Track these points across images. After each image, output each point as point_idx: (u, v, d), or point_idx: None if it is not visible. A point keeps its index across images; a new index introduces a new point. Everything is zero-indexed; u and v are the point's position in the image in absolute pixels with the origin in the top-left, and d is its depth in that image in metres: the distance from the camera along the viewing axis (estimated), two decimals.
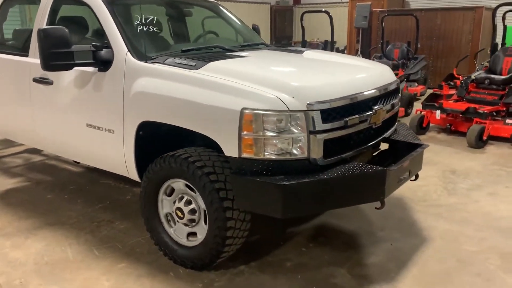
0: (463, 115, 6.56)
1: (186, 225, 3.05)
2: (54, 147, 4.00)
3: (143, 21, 3.43)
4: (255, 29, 4.81)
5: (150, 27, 3.46)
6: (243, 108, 2.61)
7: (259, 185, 2.61)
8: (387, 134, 3.43)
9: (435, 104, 6.84)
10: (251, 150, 2.64)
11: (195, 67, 2.95)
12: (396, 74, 8.08)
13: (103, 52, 3.24)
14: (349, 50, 14.20)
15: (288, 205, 2.62)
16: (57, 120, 3.73)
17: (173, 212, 3.09)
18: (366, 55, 12.20)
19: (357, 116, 2.88)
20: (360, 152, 3.14)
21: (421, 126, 6.83)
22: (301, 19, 9.72)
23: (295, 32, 17.72)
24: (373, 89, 3.08)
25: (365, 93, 2.98)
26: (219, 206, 2.78)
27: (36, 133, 4.00)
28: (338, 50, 15.36)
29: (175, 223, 3.13)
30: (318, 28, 15.54)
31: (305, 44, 9.83)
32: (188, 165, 2.85)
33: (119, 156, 3.32)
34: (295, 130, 2.65)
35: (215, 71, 2.88)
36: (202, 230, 2.99)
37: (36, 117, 3.93)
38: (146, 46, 3.30)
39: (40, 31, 2.99)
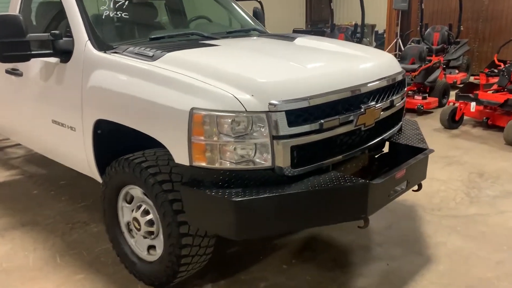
0: (501, 107, 5.81)
1: (145, 237, 2.71)
2: (26, 141, 3.79)
3: (111, 6, 3.08)
4: (256, 13, 4.35)
5: (118, 12, 3.11)
6: (192, 108, 2.20)
7: (210, 199, 2.21)
8: (386, 136, 2.92)
9: (470, 95, 6.11)
10: (203, 157, 2.24)
11: (151, 58, 2.57)
12: (429, 61, 7.40)
13: (63, 41, 2.92)
14: (388, 33, 13.31)
15: (243, 225, 2.21)
16: (26, 114, 3.49)
17: (131, 222, 2.76)
18: (406, 38, 11.38)
19: (337, 117, 2.41)
20: (351, 157, 2.67)
21: (454, 119, 6.14)
22: (330, 1, 9.08)
23: (335, 15, 16.88)
24: (363, 83, 2.58)
25: (350, 89, 2.49)
26: (173, 220, 2.41)
27: (10, 125, 3.79)
28: (377, 34, 14.54)
29: (136, 234, 2.80)
30: (357, 10, 14.69)
31: (334, 28, 9.21)
32: (140, 171, 2.49)
33: (82, 156, 3.02)
34: (256, 135, 2.22)
35: (171, 63, 2.48)
36: (161, 244, 2.64)
37: (9, 109, 3.71)
38: (109, 34, 2.96)
39: None
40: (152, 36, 3.02)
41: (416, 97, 7.06)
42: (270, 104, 2.19)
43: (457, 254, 3.07)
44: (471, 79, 9.26)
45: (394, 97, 2.86)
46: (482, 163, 4.81)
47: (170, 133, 2.31)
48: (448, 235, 3.31)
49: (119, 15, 3.16)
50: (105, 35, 3.03)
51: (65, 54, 2.95)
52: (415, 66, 7.33)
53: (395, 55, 9.46)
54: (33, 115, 3.40)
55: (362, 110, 2.54)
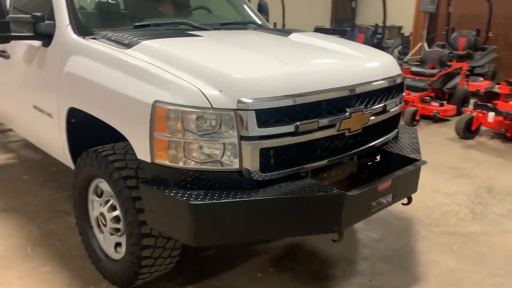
0: None
1: (111, 234, 2.58)
2: (13, 125, 3.74)
3: None
4: (261, 6, 4.16)
5: None
6: (156, 101, 2.05)
7: (167, 200, 2.05)
8: (377, 143, 2.70)
9: (489, 104, 5.77)
10: (166, 155, 2.08)
11: (126, 46, 2.42)
12: (449, 66, 7.06)
13: (44, 24, 2.80)
14: (414, 36, 12.92)
15: (201, 231, 2.04)
16: (12, 98, 3.41)
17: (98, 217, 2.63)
18: (431, 42, 10.97)
19: (315, 120, 2.21)
20: (334, 163, 2.48)
21: (469, 129, 5.82)
22: (352, 0, 8.79)
23: (360, 14, 16.47)
24: (351, 85, 2.38)
25: (334, 90, 2.29)
26: (134, 220, 2.27)
27: (0, 108, 3.73)
28: (403, 37, 14.09)
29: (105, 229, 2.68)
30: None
31: (354, 28, 8.92)
32: (106, 164, 2.36)
33: (58, 144, 2.91)
34: (224, 134, 2.05)
35: (144, 51, 2.34)
36: (125, 243, 2.50)
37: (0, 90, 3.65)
38: (94, 20, 2.84)
39: None
40: (137, 24, 2.88)
41: (432, 103, 6.74)
42: (239, 101, 2.02)
43: (449, 275, 2.83)
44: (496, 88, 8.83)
45: (388, 102, 2.64)
46: (494, 178, 4.50)
47: (132, 126, 2.17)
48: (442, 254, 3.07)
49: (108, 0, 3.03)
50: (90, 20, 2.92)
51: (46, 38, 2.84)
52: (435, 71, 7.01)
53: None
54: (18, 99, 3.32)
55: (347, 114, 2.33)
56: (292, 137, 2.16)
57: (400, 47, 13.42)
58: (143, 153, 2.14)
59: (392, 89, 2.70)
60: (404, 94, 2.89)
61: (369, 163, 2.89)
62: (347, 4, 15.40)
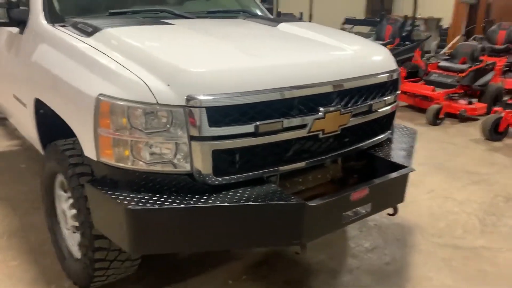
0: None
1: (74, 232, 2.47)
2: (5, 113, 3.69)
3: None
4: None
5: None
6: (100, 94, 1.89)
7: (107, 204, 1.90)
8: (362, 146, 2.45)
9: None
10: (111, 154, 1.92)
11: (88, 34, 2.27)
12: (480, 62, 6.56)
13: (18, 10, 2.70)
14: (453, 29, 12.23)
15: (140, 238, 1.87)
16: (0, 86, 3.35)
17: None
18: (469, 35, 10.34)
19: (279, 120, 1.99)
20: (313, 166, 2.26)
21: (496, 130, 5.37)
22: None
23: (395, 5, 15.78)
24: (327, 82, 2.14)
25: (304, 87, 2.06)
26: (86, 220, 2.13)
27: None
28: (441, 29, 13.40)
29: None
30: (422, 2, 13.58)
31: (383, 19, 8.48)
32: (63, 160, 2.24)
33: (33, 136, 2.82)
34: (173, 133, 1.87)
35: (102, 40, 2.18)
36: None
37: None
38: (70, 6, 2.71)
39: None
40: (112, 11, 2.73)
41: (460, 101, 6.30)
42: (188, 97, 1.82)
43: None
44: None
45: (375, 101, 2.37)
46: None
47: (79, 121, 2.03)
48: (438, 270, 2.78)
49: None
50: (66, 7, 2.78)
51: (21, 25, 2.74)
52: (464, 66, 6.54)
53: None
54: (2, 88, 3.27)
55: (320, 114, 2.09)
56: (252, 138, 1.95)
57: (438, 40, 12.80)
58: (89, 150, 2.00)
59: (381, 87, 2.43)
60: (398, 92, 2.61)
61: (357, 167, 2.64)
62: None
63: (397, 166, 2.38)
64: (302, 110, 2.07)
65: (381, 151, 2.55)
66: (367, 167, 2.59)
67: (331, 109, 2.13)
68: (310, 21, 10.11)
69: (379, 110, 2.43)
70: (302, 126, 2.07)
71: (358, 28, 10.74)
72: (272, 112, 1.98)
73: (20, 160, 4.30)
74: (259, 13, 3.45)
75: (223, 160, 1.94)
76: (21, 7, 2.72)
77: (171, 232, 1.87)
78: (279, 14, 9.57)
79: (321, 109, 2.10)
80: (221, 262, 2.77)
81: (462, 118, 6.12)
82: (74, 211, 2.36)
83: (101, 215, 1.98)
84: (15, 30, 2.85)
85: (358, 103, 2.28)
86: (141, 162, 1.91)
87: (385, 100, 2.44)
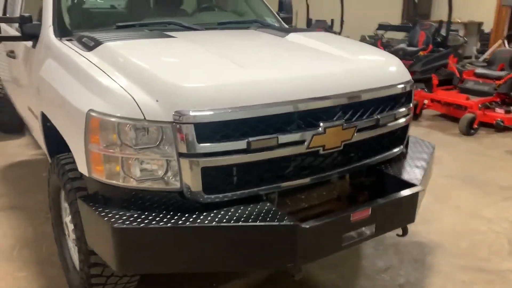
0: None
1: (76, 245, 2.46)
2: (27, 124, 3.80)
3: None
4: (282, 3, 3.85)
5: None
6: (90, 110, 1.87)
7: (96, 221, 1.86)
8: (370, 162, 2.32)
9: None
10: (102, 170, 1.90)
11: (89, 48, 2.27)
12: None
13: (30, 25, 2.74)
14: (495, 33, 11.70)
15: (127, 258, 1.82)
16: (20, 98, 3.44)
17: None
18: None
19: (274, 136, 1.90)
20: (318, 182, 2.16)
21: None
22: None
23: (438, 9, 15.25)
24: (328, 96, 2.03)
25: (302, 102, 1.96)
26: (82, 235, 2.11)
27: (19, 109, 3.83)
28: (482, 33, 12.86)
29: None
30: (461, 6, 13.07)
31: (416, 24, 8.20)
32: (63, 173, 2.24)
33: (43, 146, 2.86)
34: (162, 149, 1.82)
35: (101, 54, 2.17)
36: None
37: (16, 92, 3.72)
38: (78, 19, 2.74)
39: None
40: (119, 24, 2.73)
41: (497, 110, 5.96)
42: (175, 113, 1.77)
43: None
44: None
45: (384, 114, 2.24)
46: None
47: (72, 136, 2.02)
48: None
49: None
50: (75, 21, 2.80)
51: (34, 39, 2.79)
52: (502, 73, 6.21)
53: None
54: (21, 100, 3.35)
55: (319, 129, 1.99)
56: (244, 154, 1.87)
57: (478, 45, 12.29)
58: (82, 166, 1.98)
59: (391, 100, 2.30)
60: (411, 104, 2.46)
61: (367, 184, 2.50)
62: (419, 1, 14.42)
63: (406, 184, 2.23)
64: (300, 125, 1.97)
65: (392, 167, 2.41)
66: (377, 184, 2.46)
67: (332, 124, 2.02)
68: (341, 28, 9.93)
69: (389, 124, 2.29)
70: (300, 142, 1.97)
71: (392, 34, 10.46)
72: (267, 127, 1.90)
73: (42, 169, 4.38)
74: (273, 23, 3.37)
75: (214, 177, 1.88)
76: (34, 22, 2.76)
77: (159, 252, 1.82)
78: (310, 21, 9.43)
79: (321, 124, 2.00)
80: (225, 279, 2.70)
81: (499, 128, 5.79)
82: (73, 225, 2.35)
83: (91, 232, 1.96)
84: (29, 44, 2.91)
85: (364, 118, 2.16)
86: (131, 179, 1.87)
87: (395, 113, 2.30)
